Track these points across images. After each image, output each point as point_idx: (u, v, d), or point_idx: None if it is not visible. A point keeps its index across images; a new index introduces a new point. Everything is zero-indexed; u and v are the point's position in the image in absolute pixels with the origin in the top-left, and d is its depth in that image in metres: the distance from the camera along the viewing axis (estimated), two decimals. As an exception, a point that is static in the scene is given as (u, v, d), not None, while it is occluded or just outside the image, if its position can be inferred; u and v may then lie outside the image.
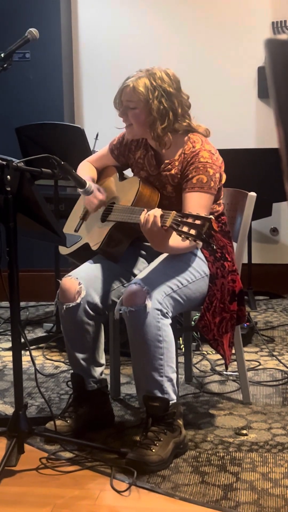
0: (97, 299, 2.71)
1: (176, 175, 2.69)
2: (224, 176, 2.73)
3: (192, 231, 2.26)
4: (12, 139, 3.87)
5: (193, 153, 2.65)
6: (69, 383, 2.89)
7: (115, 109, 2.74)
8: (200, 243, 2.27)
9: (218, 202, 2.77)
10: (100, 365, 2.80)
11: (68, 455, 2.57)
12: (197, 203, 2.60)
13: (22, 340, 2.48)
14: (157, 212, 2.41)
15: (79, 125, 4.35)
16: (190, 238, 2.27)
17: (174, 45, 4.75)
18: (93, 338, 2.74)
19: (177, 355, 2.63)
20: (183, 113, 2.68)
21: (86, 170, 2.95)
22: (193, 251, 2.69)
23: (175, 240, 2.44)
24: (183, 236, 2.29)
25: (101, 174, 2.98)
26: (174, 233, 2.38)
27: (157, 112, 2.62)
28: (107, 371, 3.02)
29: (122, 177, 2.90)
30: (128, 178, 2.88)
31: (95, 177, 2.95)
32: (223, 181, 2.74)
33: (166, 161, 2.72)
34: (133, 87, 2.62)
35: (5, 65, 2.93)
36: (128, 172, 2.96)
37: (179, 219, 2.31)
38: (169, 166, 2.71)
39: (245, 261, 4.49)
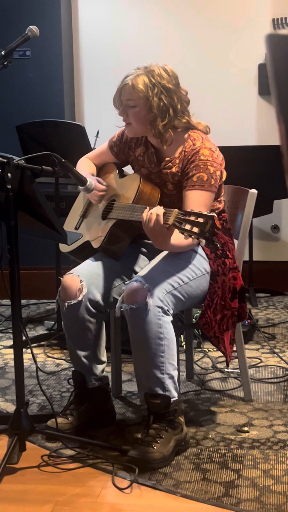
0: (98, 297, 2.71)
1: (177, 173, 2.69)
2: (224, 173, 2.73)
3: (195, 229, 2.26)
4: (12, 136, 3.87)
5: (194, 151, 2.65)
6: (70, 380, 2.89)
7: (115, 108, 2.73)
8: (203, 241, 2.27)
9: (218, 199, 2.77)
10: (102, 362, 2.80)
11: (69, 452, 2.57)
12: (197, 201, 2.60)
13: (24, 338, 2.48)
14: (159, 210, 2.40)
15: (79, 122, 4.35)
16: (193, 236, 2.26)
17: (174, 42, 4.75)
18: (94, 336, 2.74)
19: (178, 353, 2.62)
20: (183, 109, 2.67)
21: (85, 166, 2.95)
22: (194, 248, 2.69)
23: (177, 238, 2.44)
24: (186, 234, 2.28)
25: (101, 171, 2.98)
26: (175, 231, 2.37)
27: (157, 109, 2.61)
28: (108, 369, 3.02)
29: (122, 174, 2.90)
30: (128, 175, 2.87)
31: (94, 173, 2.94)
32: (224, 178, 2.73)
33: (167, 159, 2.72)
34: (132, 85, 2.61)
35: (5, 63, 2.93)
36: (128, 169, 2.95)
37: (182, 217, 2.31)
38: (170, 164, 2.71)
39: (246, 258, 4.49)
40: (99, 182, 2.83)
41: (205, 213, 2.27)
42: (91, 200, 2.89)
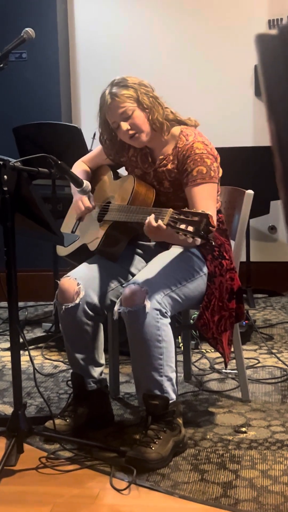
0: (95, 300, 2.71)
1: (173, 170, 2.69)
2: (220, 170, 2.73)
3: (190, 228, 2.25)
4: (9, 139, 3.87)
5: (187, 145, 2.65)
6: (69, 382, 2.88)
7: (105, 143, 2.75)
8: (199, 240, 2.27)
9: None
10: (100, 365, 2.80)
11: (67, 454, 2.57)
12: (202, 195, 2.60)
13: (21, 340, 2.48)
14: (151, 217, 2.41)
15: (76, 124, 4.35)
16: (188, 235, 2.26)
17: (170, 43, 4.74)
18: (92, 338, 2.74)
19: (176, 354, 2.63)
20: (160, 100, 2.70)
21: (80, 170, 2.95)
22: (191, 250, 2.69)
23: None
24: (181, 233, 2.28)
25: (95, 173, 2.98)
26: None
27: (149, 104, 2.64)
28: (106, 370, 3.02)
29: (117, 176, 2.90)
30: (123, 176, 2.87)
31: (89, 177, 2.94)
32: (220, 174, 2.74)
33: (161, 157, 2.72)
34: (119, 97, 2.62)
35: (1, 65, 2.92)
36: (122, 171, 2.95)
37: (176, 217, 2.30)
38: (164, 161, 2.71)
39: (244, 259, 4.49)
40: (89, 198, 2.83)
41: (200, 211, 2.27)
42: (74, 211, 2.88)
